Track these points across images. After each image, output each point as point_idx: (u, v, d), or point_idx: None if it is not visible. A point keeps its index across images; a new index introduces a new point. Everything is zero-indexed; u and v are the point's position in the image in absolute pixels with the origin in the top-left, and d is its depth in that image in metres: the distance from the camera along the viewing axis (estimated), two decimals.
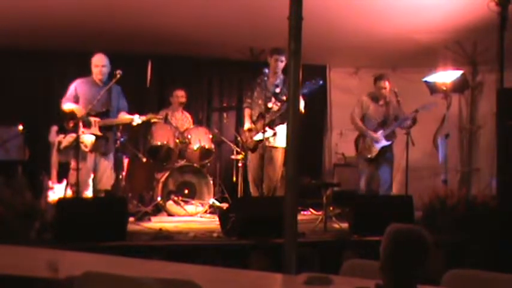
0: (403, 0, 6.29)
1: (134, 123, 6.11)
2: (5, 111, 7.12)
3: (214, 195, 7.09)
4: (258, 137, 6.39)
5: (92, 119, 5.91)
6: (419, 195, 5.88)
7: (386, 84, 6.82)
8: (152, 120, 6.37)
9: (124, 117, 6.12)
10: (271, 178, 6.39)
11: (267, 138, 6.19)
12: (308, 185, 6.59)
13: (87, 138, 5.88)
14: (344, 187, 7.19)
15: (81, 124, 5.79)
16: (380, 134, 6.76)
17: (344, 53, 8.03)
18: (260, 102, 6.42)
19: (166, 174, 6.95)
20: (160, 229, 5.64)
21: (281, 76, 6.43)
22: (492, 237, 5.17)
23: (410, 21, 6.69)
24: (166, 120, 7.18)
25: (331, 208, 6.57)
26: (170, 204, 6.91)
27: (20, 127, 6.53)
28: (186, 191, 7.01)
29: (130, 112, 6.20)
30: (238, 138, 7.17)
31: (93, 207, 5.17)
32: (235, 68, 8.55)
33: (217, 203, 7.03)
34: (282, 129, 6.17)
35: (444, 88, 7.48)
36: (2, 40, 6.99)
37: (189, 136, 7.01)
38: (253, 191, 6.59)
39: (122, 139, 6.32)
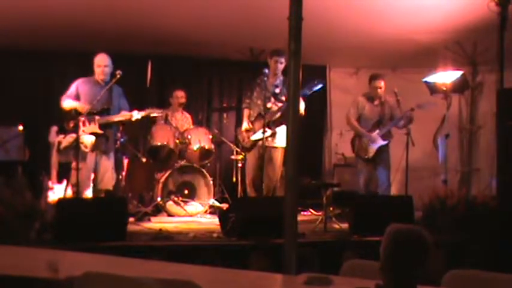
0: (403, 1, 6.29)
1: (133, 119, 6.10)
2: (5, 111, 7.12)
3: (214, 196, 7.09)
4: (255, 136, 6.40)
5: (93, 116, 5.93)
6: (419, 195, 5.87)
7: (382, 83, 6.83)
8: (152, 115, 6.36)
9: (123, 113, 6.13)
10: (271, 178, 6.39)
11: (266, 138, 6.20)
12: (308, 185, 6.59)
13: (87, 139, 5.88)
14: (344, 187, 7.19)
15: (81, 124, 5.80)
16: (376, 134, 6.77)
17: (344, 53, 8.03)
18: (259, 102, 6.44)
19: (166, 174, 6.95)
20: (160, 229, 5.63)
21: (281, 77, 6.44)
22: (492, 237, 5.17)
23: (410, 22, 6.70)
24: (166, 120, 7.19)
25: (331, 208, 6.56)
26: (170, 205, 6.91)
27: (20, 127, 6.53)
28: (186, 192, 7.01)
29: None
30: (239, 137, 7.17)
31: (93, 208, 5.17)
32: (235, 68, 8.56)
33: (217, 204, 7.03)
34: (281, 129, 6.18)
35: (444, 88, 7.48)
36: (2, 40, 6.99)
37: (189, 136, 7.01)
38: (249, 191, 6.58)
39: (122, 139, 6.32)
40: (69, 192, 5.87)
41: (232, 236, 5.21)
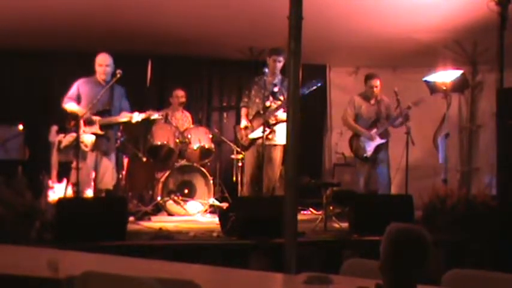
0: (403, 0, 6.29)
1: (134, 121, 6.10)
2: (5, 111, 7.12)
3: (214, 195, 7.08)
4: (253, 135, 6.40)
5: (93, 117, 5.93)
6: (419, 195, 5.88)
7: (377, 83, 6.88)
8: (152, 117, 6.36)
9: (124, 115, 6.12)
10: (270, 178, 6.39)
11: (266, 137, 6.19)
12: (308, 184, 6.58)
13: (87, 138, 5.89)
14: (344, 187, 7.19)
15: (82, 123, 5.80)
16: (374, 132, 6.79)
17: (344, 52, 8.03)
18: (258, 100, 6.45)
19: (167, 173, 6.95)
20: (160, 229, 5.64)
21: (279, 76, 6.45)
22: (492, 237, 5.18)
23: (410, 21, 6.69)
24: (166, 120, 7.18)
25: (331, 208, 6.56)
26: (170, 204, 6.91)
27: (20, 126, 6.53)
28: (186, 191, 7.01)
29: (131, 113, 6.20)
30: (237, 135, 7.16)
31: (93, 207, 5.17)
32: (235, 68, 8.55)
33: (217, 203, 7.03)
34: (280, 127, 6.18)
35: (444, 88, 7.48)
36: (2, 40, 6.99)
37: (189, 136, 7.01)
38: (247, 191, 6.58)
39: (122, 139, 6.32)
40: (70, 192, 5.86)
41: (232, 235, 5.21)
